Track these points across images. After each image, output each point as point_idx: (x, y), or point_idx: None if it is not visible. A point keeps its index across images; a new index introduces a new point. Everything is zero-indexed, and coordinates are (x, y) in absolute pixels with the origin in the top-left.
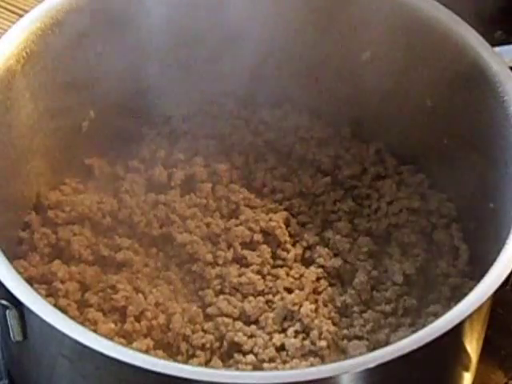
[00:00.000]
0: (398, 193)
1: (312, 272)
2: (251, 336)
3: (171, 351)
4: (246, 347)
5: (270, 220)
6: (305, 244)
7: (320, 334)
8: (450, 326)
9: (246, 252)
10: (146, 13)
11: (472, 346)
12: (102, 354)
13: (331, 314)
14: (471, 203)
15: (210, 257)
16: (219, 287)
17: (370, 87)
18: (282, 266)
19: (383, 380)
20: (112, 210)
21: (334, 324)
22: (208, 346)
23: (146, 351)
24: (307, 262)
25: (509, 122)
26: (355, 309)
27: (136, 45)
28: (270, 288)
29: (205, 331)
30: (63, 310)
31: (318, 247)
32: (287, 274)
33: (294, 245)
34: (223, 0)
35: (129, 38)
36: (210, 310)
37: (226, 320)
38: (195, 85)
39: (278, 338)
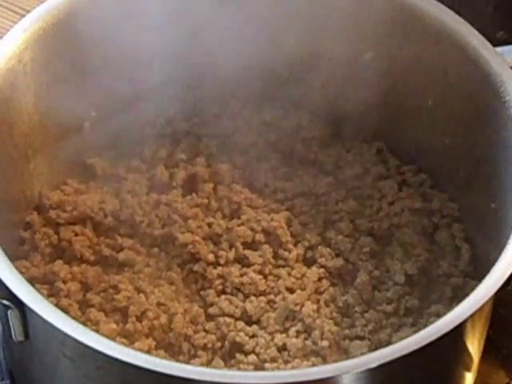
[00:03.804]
0: (400, 193)
1: (314, 272)
2: (253, 336)
3: (173, 351)
4: (248, 347)
5: (272, 220)
6: (306, 244)
7: (322, 334)
8: (451, 326)
9: (247, 252)
10: (147, 13)
11: (474, 346)
12: (103, 354)
13: (333, 314)
14: (473, 203)
15: (211, 257)
16: (221, 287)
17: (371, 87)
18: (283, 266)
19: (385, 380)
20: (114, 210)
21: (336, 324)
22: (210, 346)
23: (148, 351)
24: (309, 262)
25: (510, 122)
26: (357, 309)
27: (137, 45)
28: (272, 288)
29: (206, 331)
30: (65, 310)
31: (319, 247)
32: (289, 274)
33: (295, 245)
34: (222, 0)
35: (130, 38)
36: (211, 310)
37: (228, 320)
38: (196, 85)
39: (279, 338)
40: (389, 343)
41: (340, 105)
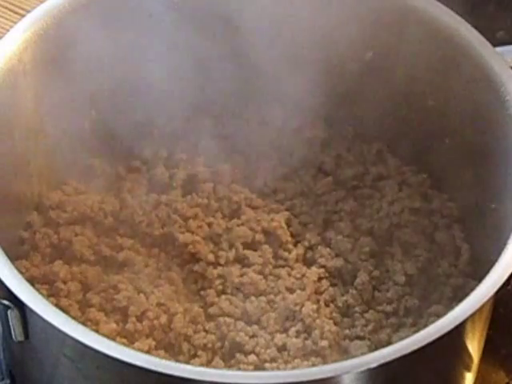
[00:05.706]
0: (400, 193)
1: (314, 272)
2: (253, 336)
3: (173, 351)
4: (248, 347)
5: (272, 220)
6: (306, 244)
7: (322, 334)
8: (451, 326)
9: (247, 252)
10: (147, 12)
11: (473, 346)
12: (103, 354)
13: (333, 314)
14: (473, 203)
15: (211, 257)
16: (221, 287)
17: (371, 87)
18: (283, 266)
19: (385, 380)
20: (114, 210)
21: (336, 324)
22: (210, 346)
23: (148, 351)
24: (309, 262)
25: (510, 122)
26: (357, 309)
27: (137, 44)
28: (272, 288)
29: (206, 331)
30: (65, 310)
31: (319, 247)
32: (289, 274)
33: (295, 245)
34: None
35: (130, 38)
36: (211, 310)
37: (228, 320)
38: (197, 84)
39: (279, 338)
40: (389, 343)
41: (340, 105)
